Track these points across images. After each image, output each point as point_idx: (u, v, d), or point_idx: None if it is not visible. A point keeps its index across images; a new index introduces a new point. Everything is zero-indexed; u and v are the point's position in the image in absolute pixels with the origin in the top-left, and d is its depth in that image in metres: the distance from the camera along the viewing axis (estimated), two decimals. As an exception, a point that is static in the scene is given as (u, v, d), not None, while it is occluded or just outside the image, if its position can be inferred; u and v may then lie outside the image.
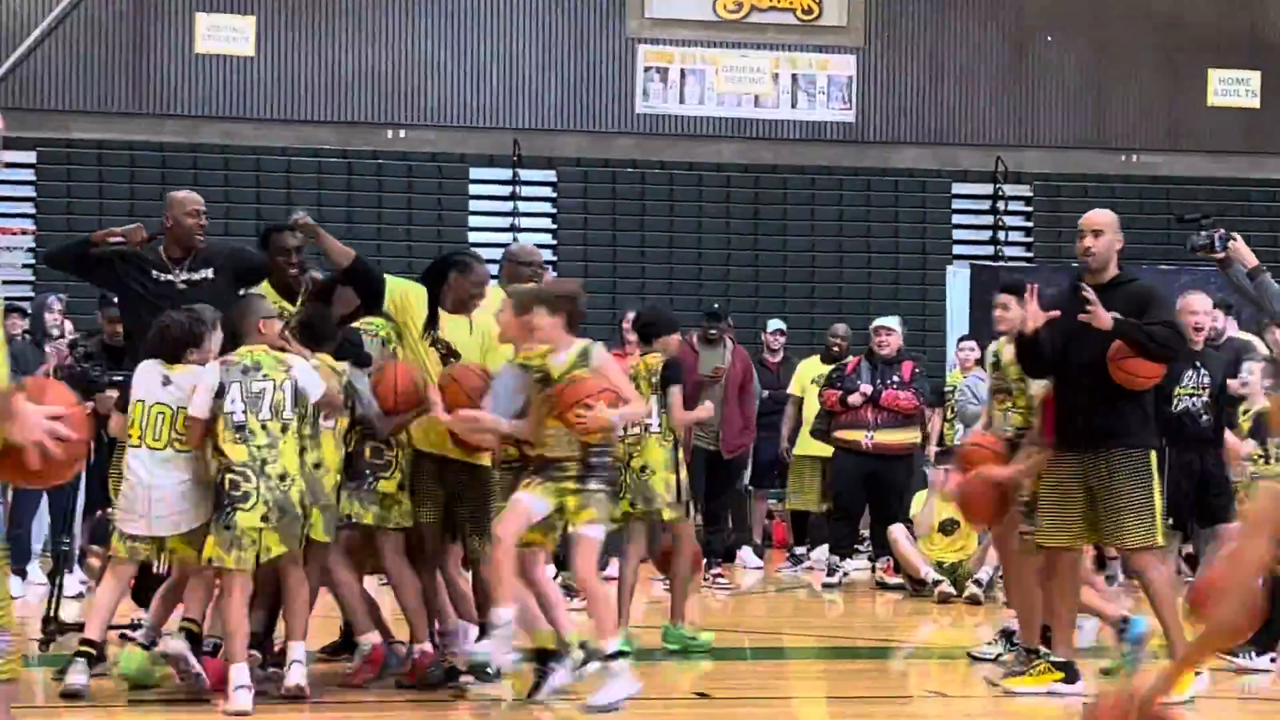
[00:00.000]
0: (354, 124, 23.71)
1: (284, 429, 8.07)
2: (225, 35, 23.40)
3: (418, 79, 23.81)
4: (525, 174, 24.14)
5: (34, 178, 22.87)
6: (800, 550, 16.64)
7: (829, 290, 23.71)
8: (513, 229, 23.88)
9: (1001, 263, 23.87)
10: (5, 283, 19.94)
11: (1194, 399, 10.21)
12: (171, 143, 23.18)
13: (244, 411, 8.00)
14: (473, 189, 24.03)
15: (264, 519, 7.92)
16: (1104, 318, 8.48)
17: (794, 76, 24.68)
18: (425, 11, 23.83)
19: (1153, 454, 8.70)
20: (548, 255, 23.66)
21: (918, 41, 24.79)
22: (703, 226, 24.01)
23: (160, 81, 23.33)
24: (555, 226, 24.15)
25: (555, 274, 23.69)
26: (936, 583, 13.24)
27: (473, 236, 23.53)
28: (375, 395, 8.50)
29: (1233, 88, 25.12)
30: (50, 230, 22.64)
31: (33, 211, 22.70)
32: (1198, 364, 10.26)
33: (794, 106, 24.68)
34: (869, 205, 24.50)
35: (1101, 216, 8.93)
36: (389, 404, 8.52)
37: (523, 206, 24.14)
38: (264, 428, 8.03)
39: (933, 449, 15.65)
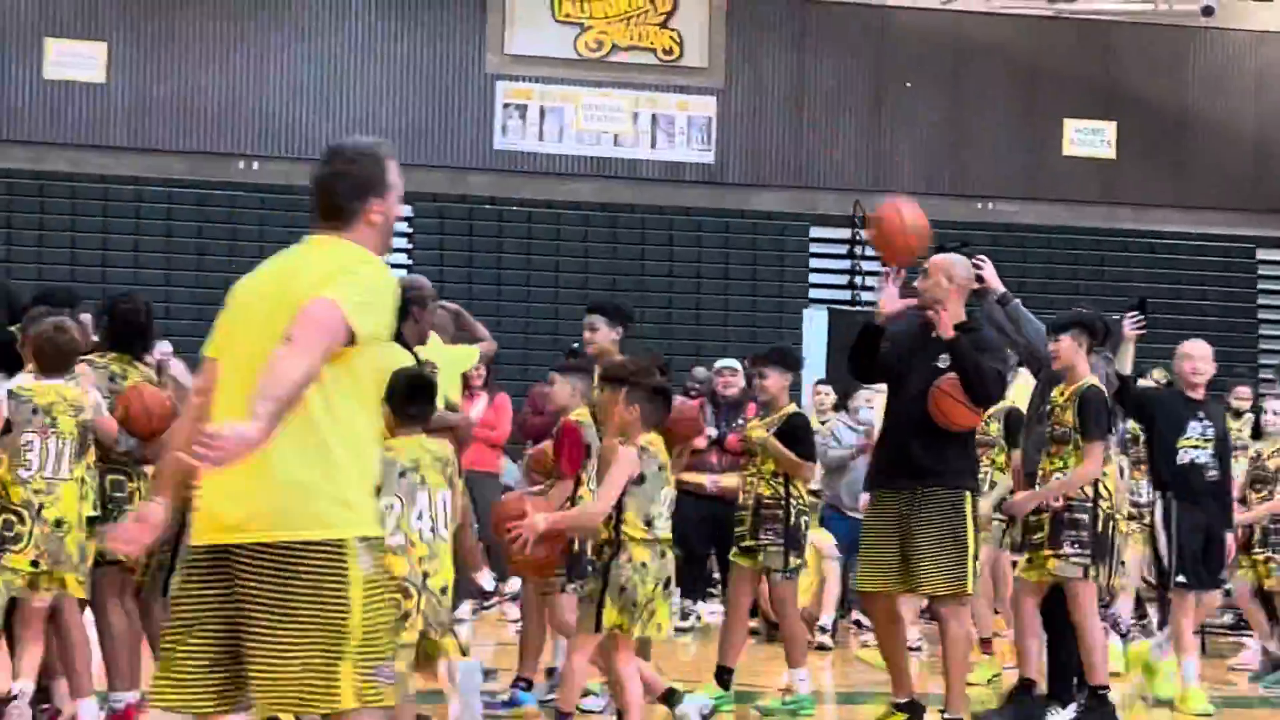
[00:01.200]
0: (206, 154, 23.40)
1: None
2: (75, 61, 23.05)
3: (272, 109, 23.55)
4: (381, 208, 23.90)
5: (-128, 202, 22.39)
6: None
7: (687, 332, 23.68)
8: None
9: (858, 307, 23.97)
10: None
11: (1199, 451, 9.74)
12: (18, 169, 22.79)
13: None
14: (327, 222, 23.77)
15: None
16: (946, 323, 8.38)
17: (654, 116, 24.69)
18: (283, 40, 23.59)
19: (969, 495, 8.39)
20: (402, 291, 23.49)
21: (778, 84, 24.89)
22: (560, 266, 23.92)
23: (6, 107, 22.93)
24: (410, 263, 23.93)
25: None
26: None
27: (326, 271, 23.31)
28: (129, 420, 7.89)
29: (1088, 138, 25.46)
30: (-112, 256, 22.17)
31: None
32: (1200, 414, 9.77)
33: (653, 146, 24.68)
34: (727, 247, 24.54)
35: (934, 259, 8.84)
36: (144, 425, 7.89)
37: (378, 241, 23.90)
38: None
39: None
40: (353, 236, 5.00)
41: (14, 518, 7.54)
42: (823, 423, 14.52)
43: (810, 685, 9.58)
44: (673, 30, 24.76)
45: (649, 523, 7.52)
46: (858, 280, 24.92)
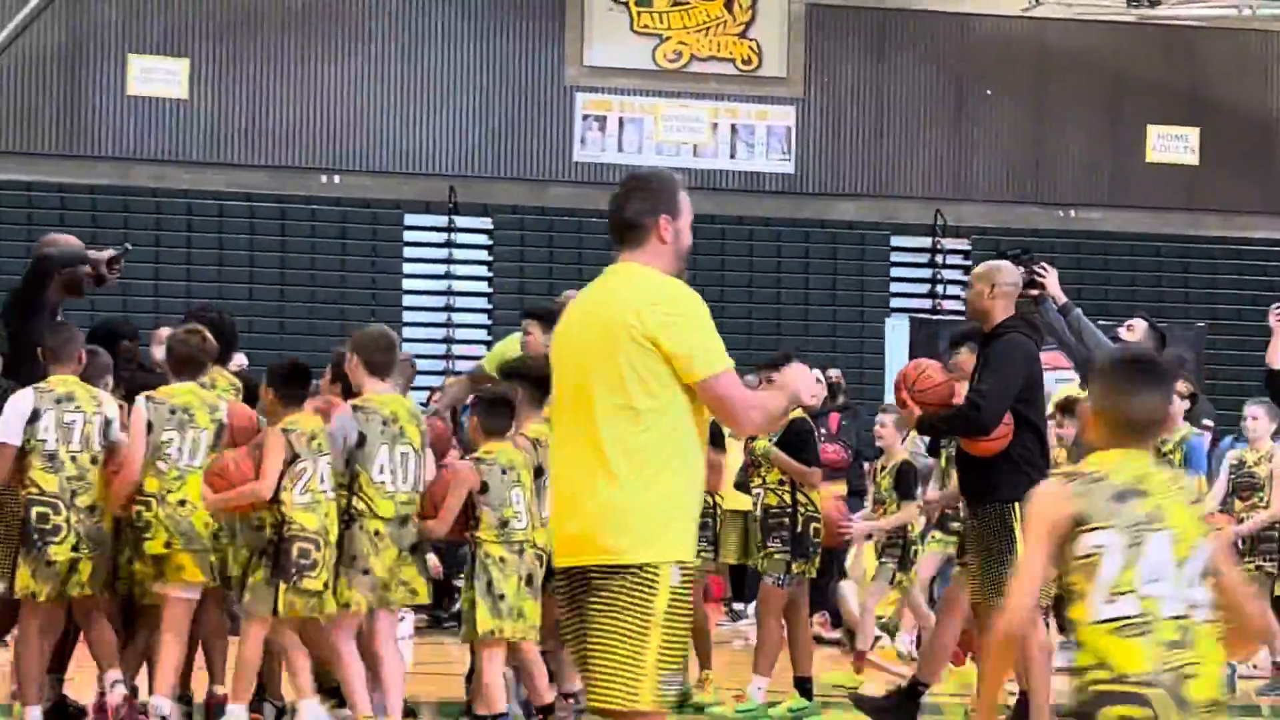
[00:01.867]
0: (288, 168, 23.55)
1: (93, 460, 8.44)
2: (158, 78, 23.27)
3: (353, 123, 23.68)
4: (461, 221, 24.03)
5: (-40, 219, 22.66)
6: (739, 605, 16.52)
7: (766, 342, 23.62)
8: (448, 276, 23.76)
9: (939, 315, 23.89)
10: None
11: None
12: (103, 185, 23.02)
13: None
14: (407, 235, 23.89)
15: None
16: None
17: (733, 126, 24.68)
18: (362, 55, 23.72)
19: (1015, 509, 8.21)
20: (483, 303, 23.58)
21: (858, 93, 24.83)
22: (642, 275, 23.89)
23: (92, 123, 23.16)
24: (491, 274, 24.04)
25: (490, 322, 23.66)
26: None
27: (407, 284, 23.40)
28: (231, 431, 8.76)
29: (1172, 144, 25.27)
30: (-24, 272, 22.42)
31: (-42, 253, 22.45)
32: None
33: (733, 157, 24.67)
34: (807, 257, 24.48)
35: (978, 268, 8.80)
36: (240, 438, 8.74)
37: (458, 254, 24.01)
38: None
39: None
40: (647, 258, 5.36)
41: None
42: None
43: (765, 696, 9.58)
44: (751, 40, 24.75)
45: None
46: (939, 289, 24.85)
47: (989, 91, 24.90)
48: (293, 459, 7.91)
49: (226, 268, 22.88)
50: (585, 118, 24.37)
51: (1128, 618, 4.23)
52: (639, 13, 24.47)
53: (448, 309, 23.53)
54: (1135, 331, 9.82)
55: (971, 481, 8.46)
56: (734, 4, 24.67)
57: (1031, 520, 4.46)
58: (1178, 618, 4.24)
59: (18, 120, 22.87)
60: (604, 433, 5.26)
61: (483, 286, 23.85)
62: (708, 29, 24.64)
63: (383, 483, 7.96)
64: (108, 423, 8.40)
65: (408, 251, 23.81)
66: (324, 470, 7.96)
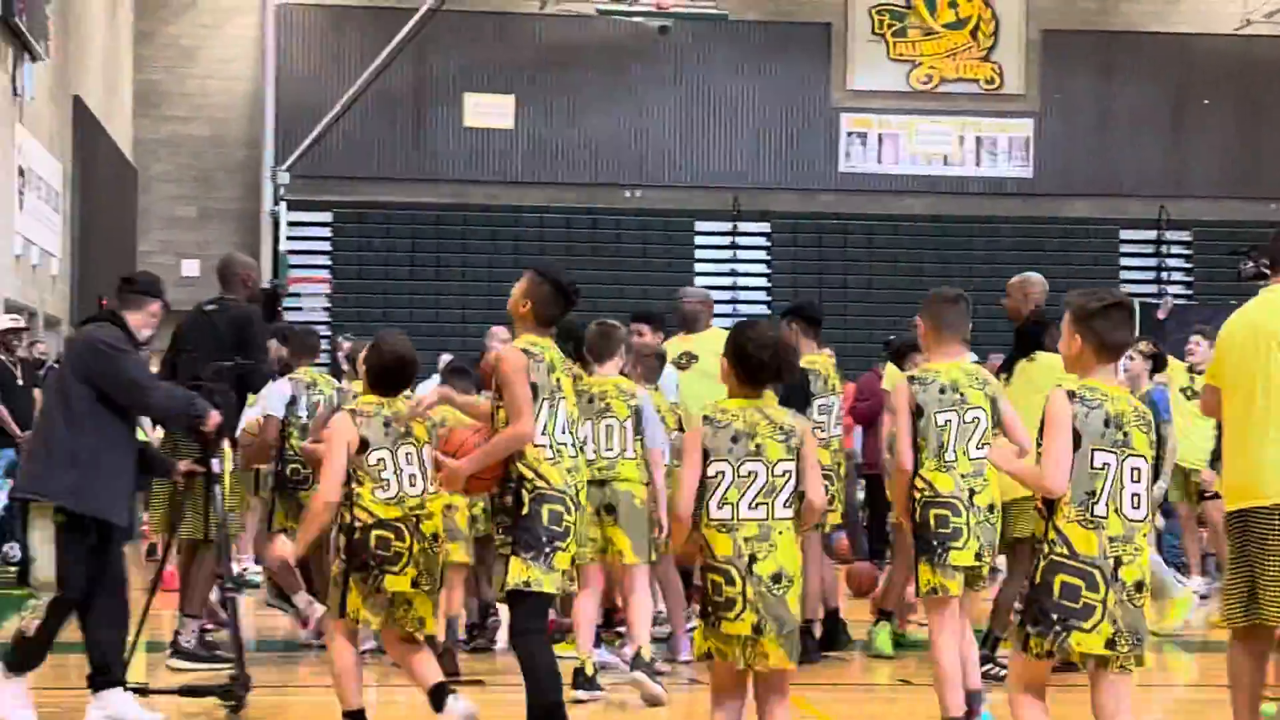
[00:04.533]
0: (597, 185, 24.05)
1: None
2: (489, 111, 23.89)
3: (651, 145, 24.10)
4: (744, 227, 24.28)
5: (330, 235, 23.58)
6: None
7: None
8: (732, 274, 24.04)
9: (1165, 299, 23.46)
10: (306, 324, 20.58)
11: None
12: (445, 204, 23.71)
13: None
14: (698, 240, 24.23)
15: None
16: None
17: (978, 139, 24.55)
18: (658, 85, 24.11)
19: None
20: (763, 296, 23.78)
21: (1088, 105, 24.51)
22: (898, 270, 23.95)
23: (435, 151, 23.90)
24: (770, 272, 24.26)
25: (770, 314, 23.84)
26: None
27: (697, 283, 23.68)
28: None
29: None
30: (345, 279, 23.36)
31: (329, 264, 23.39)
32: None
33: (978, 165, 24.54)
34: (1043, 250, 24.23)
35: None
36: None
37: (741, 255, 24.28)
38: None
39: None
40: None
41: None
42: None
43: None
44: (994, 63, 24.59)
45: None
46: (1163, 277, 24.40)
47: (1206, 101, 24.37)
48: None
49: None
50: (849, 134, 24.45)
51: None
52: (895, 42, 24.48)
53: (733, 301, 23.81)
54: None
55: None
56: (978, 32, 24.53)
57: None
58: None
59: (373, 150, 23.71)
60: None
61: (763, 283, 24.08)
62: (955, 54, 24.55)
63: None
64: None
65: (698, 254, 24.13)
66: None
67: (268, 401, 9.43)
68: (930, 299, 6.63)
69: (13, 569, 12.06)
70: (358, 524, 6.08)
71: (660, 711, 7.46)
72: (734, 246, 24.28)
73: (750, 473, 5.13)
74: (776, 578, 5.07)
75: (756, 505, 5.12)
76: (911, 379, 6.42)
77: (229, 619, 7.42)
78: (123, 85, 23.57)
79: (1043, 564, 4.80)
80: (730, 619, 5.03)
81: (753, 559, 5.07)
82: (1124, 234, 24.51)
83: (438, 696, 6.18)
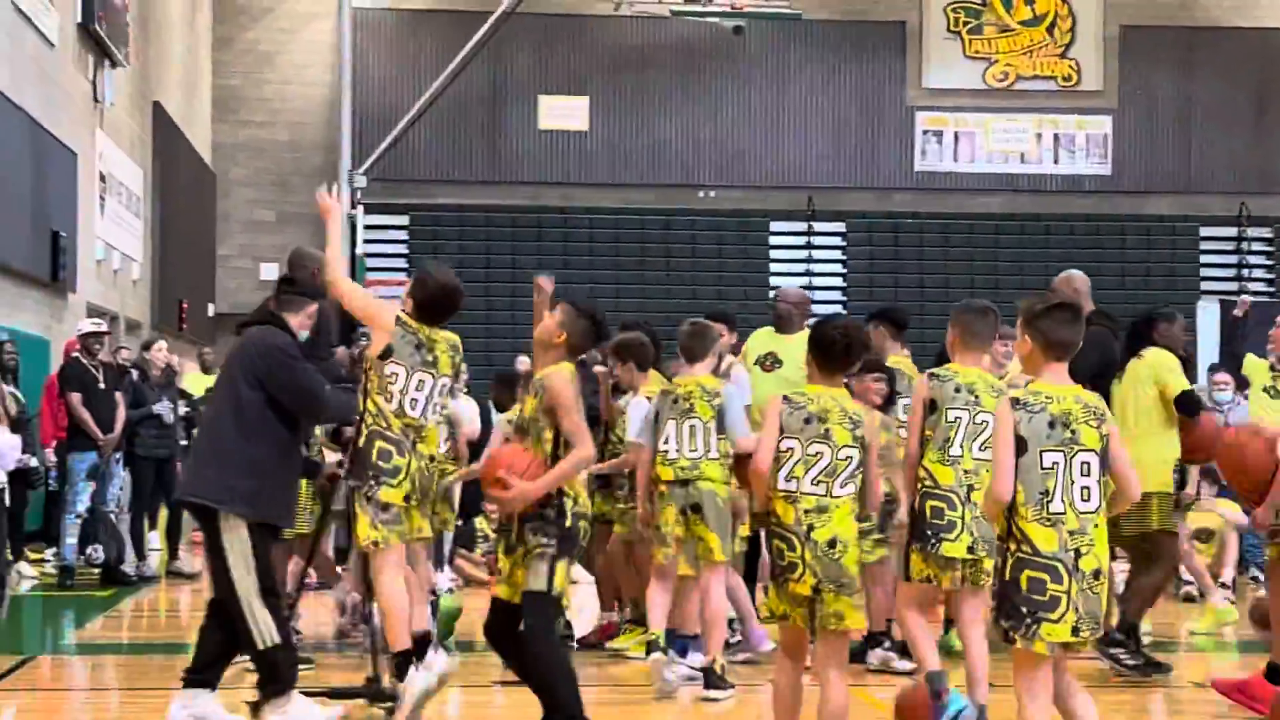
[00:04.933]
0: (672, 186, 24.06)
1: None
2: (563, 114, 23.96)
3: (726, 145, 24.07)
4: (819, 226, 24.21)
5: (406, 238, 23.70)
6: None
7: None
8: (807, 274, 23.97)
9: (1247, 298, 23.17)
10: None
11: None
12: (520, 206, 23.80)
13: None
14: (772, 241, 24.18)
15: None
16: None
17: (1055, 136, 24.36)
18: (733, 86, 24.09)
19: None
20: (838, 297, 23.68)
21: (1168, 101, 24.25)
22: (974, 269, 23.80)
23: (510, 154, 23.98)
24: (845, 272, 24.17)
25: (845, 314, 23.77)
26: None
27: (773, 282, 23.67)
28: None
29: None
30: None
31: (405, 266, 23.51)
32: None
33: (1055, 162, 24.35)
34: (1122, 249, 24.02)
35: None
36: None
37: (816, 255, 24.21)
38: None
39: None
40: None
41: None
42: (1223, 409, 14.05)
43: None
44: (1071, 59, 24.38)
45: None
46: (1244, 273, 24.10)
47: (1288, 96, 24.05)
48: None
49: (623, 272, 23.44)
50: (925, 133, 24.32)
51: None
52: (970, 40, 24.32)
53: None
54: None
55: None
56: (1055, 28, 24.32)
57: None
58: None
59: (448, 153, 23.82)
60: None
61: (838, 283, 23.99)
62: (1031, 51, 24.35)
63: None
64: None
65: (773, 255, 24.08)
66: None
67: None
68: (960, 309, 6.87)
69: (96, 570, 12.20)
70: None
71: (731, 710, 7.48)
72: (809, 247, 24.22)
73: (816, 453, 5.68)
74: (832, 543, 5.63)
75: (818, 482, 5.67)
76: (931, 375, 6.63)
77: (367, 621, 7.46)
78: (202, 91, 23.80)
79: (1010, 561, 5.10)
80: (793, 580, 5.60)
81: (810, 528, 5.65)
82: (1204, 231, 24.23)
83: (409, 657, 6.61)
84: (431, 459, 6.83)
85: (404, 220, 23.63)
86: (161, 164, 20.51)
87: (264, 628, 6.37)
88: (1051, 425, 5.08)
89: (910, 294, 23.32)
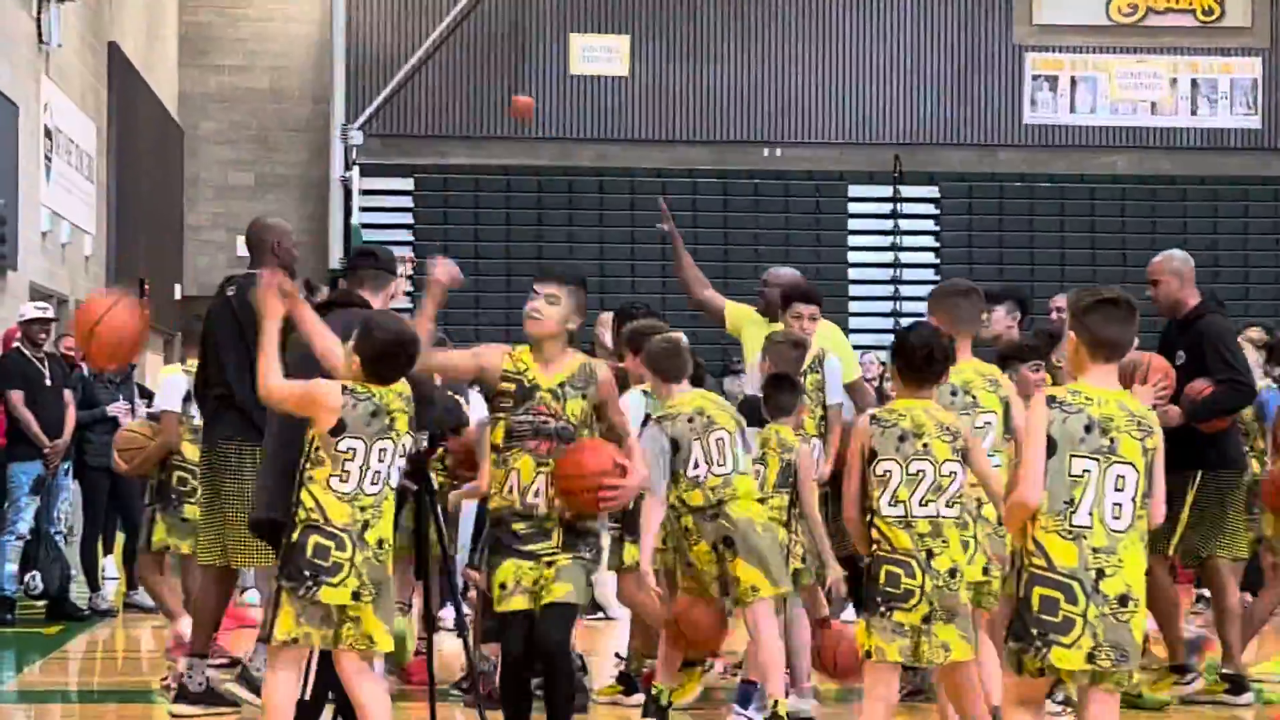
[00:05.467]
0: (729, 143, 24.02)
1: None
2: (599, 56, 23.95)
3: (793, 95, 24.02)
4: (907, 190, 24.15)
5: (411, 204, 23.74)
6: None
7: (1234, 309, 23.12)
8: (894, 247, 23.91)
9: None
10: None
11: None
12: (546, 166, 23.79)
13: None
14: (852, 207, 24.13)
15: None
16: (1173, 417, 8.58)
17: (1193, 81, 24.21)
18: (801, 25, 24.03)
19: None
20: (930, 274, 23.61)
21: (1329, 40, 24.11)
22: (1096, 242, 23.68)
23: (536, 104, 23.95)
24: (938, 244, 24.11)
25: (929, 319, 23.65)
26: None
27: (852, 256, 23.65)
28: None
29: None
30: (428, 257, 23.45)
31: (410, 239, 23.54)
32: None
33: (1194, 113, 24.21)
34: (1276, 216, 23.87)
35: (1155, 264, 9.07)
36: None
37: (904, 224, 24.15)
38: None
39: None
40: None
41: None
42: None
43: None
44: (1213, -11, 24.26)
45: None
46: None
47: None
48: None
49: (670, 245, 23.37)
50: (1035, 78, 24.23)
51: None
52: (1091, -35, 24.23)
53: (894, 281, 23.66)
54: None
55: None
56: (1193, -50, 24.20)
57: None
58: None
59: (465, 105, 23.84)
60: None
61: (929, 258, 23.92)
62: (1165, -22, 24.24)
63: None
64: None
65: (852, 224, 24.03)
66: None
67: (164, 394, 9.61)
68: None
69: (40, 602, 12.25)
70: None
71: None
72: (895, 215, 24.16)
73: (918, 471, 6.24)
74: (953, 572, 6.23)
75: (925, 503, 6.23)
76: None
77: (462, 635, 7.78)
78: (166, 30, 23.89)
79: (1024, 578, 5.44)
80: (906, 609, 6.10)
81: (930, 554, 6.22)
82: (1375, 195, 24.08)
83: None
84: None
85: (408, 184, 23.68)
86: (119, 117, 20.59)
87: None
88: (1088, 429, 5.37)
89: (1017, 271, 23.21)
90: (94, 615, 12.33)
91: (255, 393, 6.80)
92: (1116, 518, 5.35)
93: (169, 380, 9.79)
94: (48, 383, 12.17)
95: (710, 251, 23.53)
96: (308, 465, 6.36)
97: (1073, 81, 24.28)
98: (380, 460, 6.39)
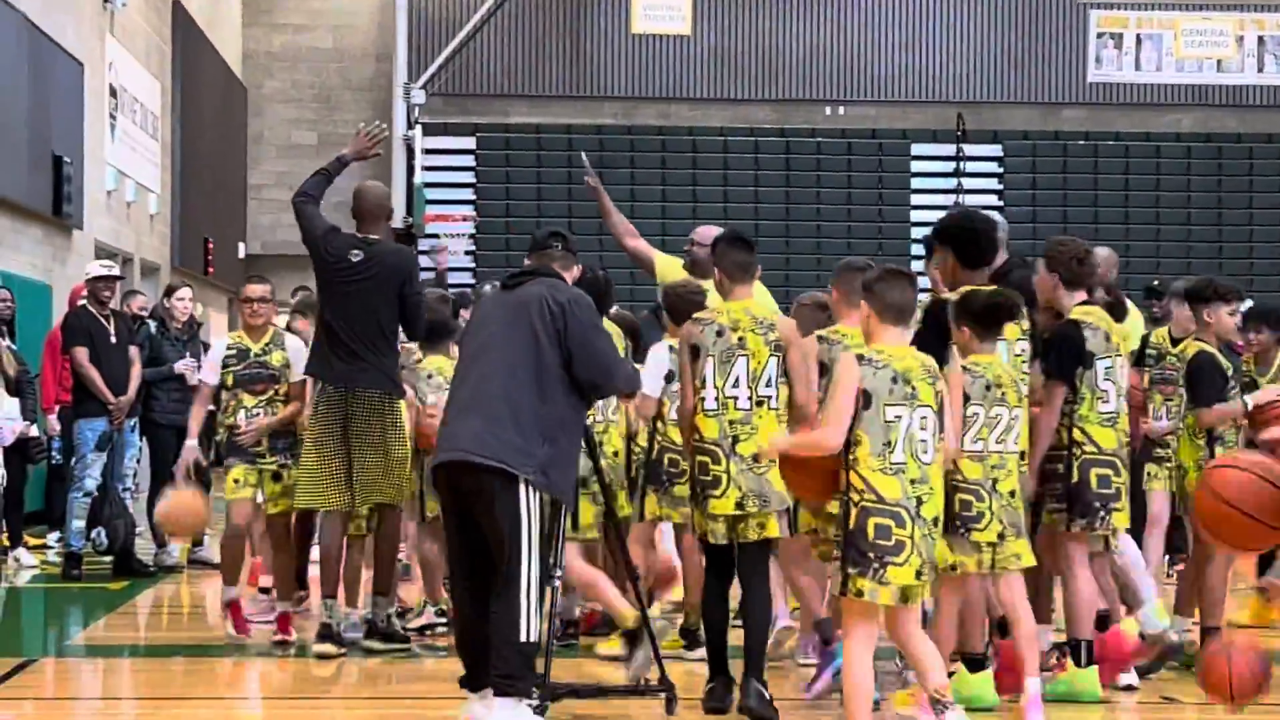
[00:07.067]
0: (792, 101, 23.96)
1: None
2: (661, 15, 23.90)
3: (857, 53, 23.94)
4: (970, 149, 24.04)
5: (474, 164, 23.77)
6: None
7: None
8: (956, 206, 23.78)
9: None
10: (449, 270, 20.77)
11: None
12: (609, 125, 23.78)
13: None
14: (914, 166, 24.04)
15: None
16: None
17: (1260, 39, 24.01)
18: (865, -17, 23.94)
19: None
20: (994, 234, 23.50)
21: (1400, -4, 23.84)
22: (1161, 201, 23.55)
23: (597, 63, 23.97)
24: (1001, 204, 23.98)
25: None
26: None
27: (914, 215, 23.56)
28: None
29: None
30: (491, 216, 23.53)
31: (472, 198, 23.55)
32: None
33: (1260, 70, 24.01)
34: (1348, 174, 23.69)
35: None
36: None
37: (967, 183, 24.06)
38: None
39: None
40: None
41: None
42: None
43: None
44: (1281, -56, 24.03)
45: None
46: None
47: None
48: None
49: (731, 204, 23.43)
50: (1100, 35, 24.07)
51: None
52: (1156, -80, 24.03)
53: (957, 240, 23.60)
54: None
55: None
56: (1261, -94, 23.96)
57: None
58: None
59: (525, 64, 23.84)
60: None
61: (993, 216, 23.78)
62: (1232, -66, 24.03)
63: None
64: None
65: (915, 183, 23.95)
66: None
67: (297, 362, 9.44)
68: (864, 277, 7.02)
69: (107, 558, 12.34)
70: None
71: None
72: (958, 174, 24.07)
73: (996, 415, 7.14)
74: (1013, 493, 7.17)
75: (1000, 441, 7.13)
76: (861, 358, 6.56)
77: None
78: (230, -11, 23.95)
79: (854, 511, 6.31)
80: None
81: (995, 481, 7.12)
82: None
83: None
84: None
85: (470, 143, 23.70)
86: (183, 76, 20.67)
87: (533, 621, 6.68)
88: (894, 381, 6.34)
89: (1081, 230, 22.96)
90: (159, 571, 12.41)
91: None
92: (924, 453, 6.35)
93: (298, 349, 9.37)
94: (113, 340, 12.22)
95: (772, 210, 23.54)
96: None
97: (1137, 39, 24.11)
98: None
